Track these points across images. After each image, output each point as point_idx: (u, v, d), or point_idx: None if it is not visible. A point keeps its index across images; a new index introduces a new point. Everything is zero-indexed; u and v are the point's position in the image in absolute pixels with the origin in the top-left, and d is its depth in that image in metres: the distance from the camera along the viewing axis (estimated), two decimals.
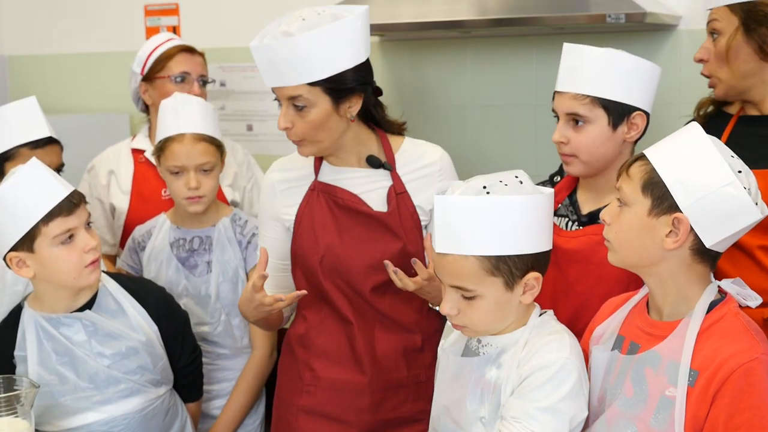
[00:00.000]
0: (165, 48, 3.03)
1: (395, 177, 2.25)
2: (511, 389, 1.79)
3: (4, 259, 2.15)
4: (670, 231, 1.68)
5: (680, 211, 1.66)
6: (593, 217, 2.16)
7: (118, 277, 2.35)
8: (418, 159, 2.29)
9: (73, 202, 2.12)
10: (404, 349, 2.28)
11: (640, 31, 2.94)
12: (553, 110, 2.19)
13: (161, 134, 2.58)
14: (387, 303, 2.26)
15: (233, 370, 2.65)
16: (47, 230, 2.09)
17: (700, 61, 2.28)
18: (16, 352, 2.19)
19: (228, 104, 3.63)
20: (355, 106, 2.18)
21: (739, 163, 1.69)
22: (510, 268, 1.77)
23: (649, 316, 1.80)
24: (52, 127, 2.66)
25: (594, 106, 2.09)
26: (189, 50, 3.04)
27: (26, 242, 2.10)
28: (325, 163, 2.29)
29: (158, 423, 2.27)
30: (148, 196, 2.94)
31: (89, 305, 2.23)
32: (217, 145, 2.61)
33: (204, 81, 3.04)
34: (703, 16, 2.87)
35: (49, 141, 2.49)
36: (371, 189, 2.25)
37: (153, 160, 2.99)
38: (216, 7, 3.67)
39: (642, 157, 1.74)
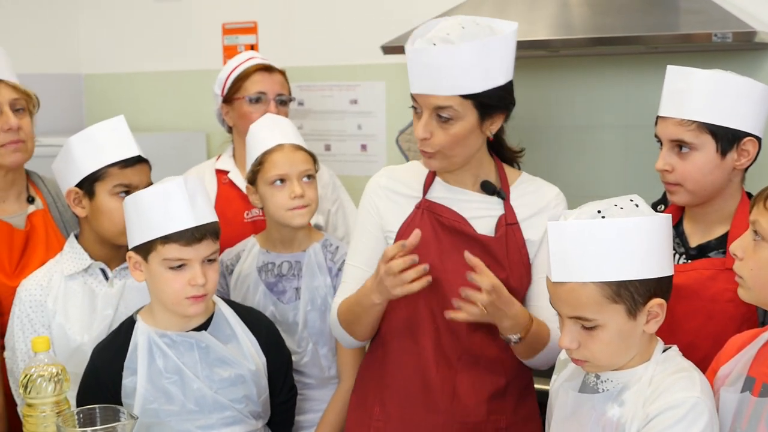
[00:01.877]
0: (243, 68, 2.99)
1: (508, 207, 2.16)
2: (637, 429, 1.70)
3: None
4: None
5: None
6: (703, 250, 2.06)
7: (233, 304, 2.33)
8: (533, 193, 2.19)
9: (195, 236, 2.10)
10: (487, 391, 2.16)
11: (737, 51, 2.85)
12: (656, 136, 2.09)
13: (257, 151, 2.53)
14: (477, 339, 2.14)
15: (320, 401, 2.57)
16: (162, 250, 2.11)
17: None
18: (126, 363, 2.17)
19: (306, 123, 3.59)
20: (496, 124, 2.11)
21: None
22: (632, 294, 1.69)
23: None
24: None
25: (701, 132, 2.00)
26: (267, 69, 2.99)
27: (143, 250, 2.15)
28: (437, 179, 2.20)
29: None
30: (231, 217, 2.89)
31: (204, 326, 2.21)
32: (313, 157, 2.57)
33: (282, 100, 2.99)
34: None
35: (139, 160, 2.45)
36: (481, 215, 2.16)
37: (237, 181, 2.96)
38: (294, 25, 3.64)
39: None
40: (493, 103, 2.06)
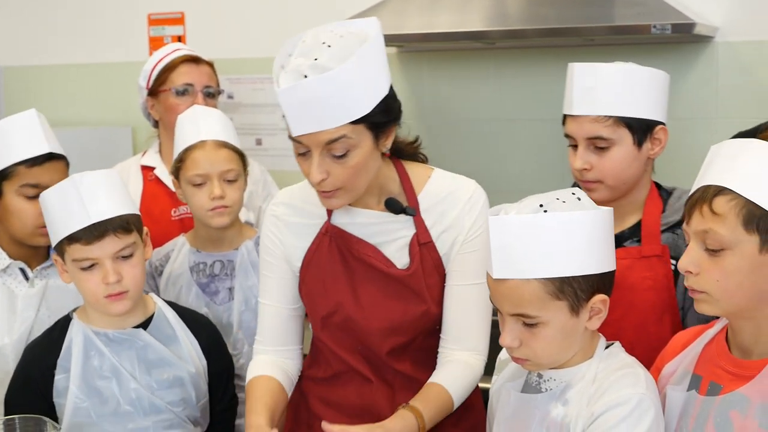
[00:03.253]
0: (169, 59, 2.92)
1: (419, 223, 1.97)
2: (582, 428, 1.65)
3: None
4: None
5: None
6: (619, 240, 2.03)
7: (174, 305, 2.24)
8: (444, 200, 1.99)
9: (94, 234, 2.01)
10: None
11: (675, 43, 2.84)
12: (567, 135, 2.09)
13: (180, 146, 2.44)
14: (407, 364, 2.01)
15: None
16: (69, 250, 2.04)
17: None
18: (59, 361, 2.09)
19: (236, 117, 3.49)
20: (390, 138, 1.90)
21: None
22: (575, 291, 1.64)
23: (732, 355, 1.65)
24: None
25: (618, 127, 2.02)
26: (193, 60, 2.92)
27: (59, 251, 2.08)
28: None
29: None
30: (158, 216, 2.80)
31: (144, 326, 2.14)
32: (240, 155, 2.46)
33: (210, 92, 2.91)
34: (740, 27, 2.80)
35: (50, 157, 2.31)
36: (391, 239, 1.97)
37: (163, 178, 2.86)
38: (223, 16, 3.56)
39: (722, 190, 1.56)
40: (385, 119, 1.86)
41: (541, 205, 1.65)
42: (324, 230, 2.00)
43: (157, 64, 2.92)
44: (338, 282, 1.98)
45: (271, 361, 2.07)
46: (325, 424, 1.80)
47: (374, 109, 1.81)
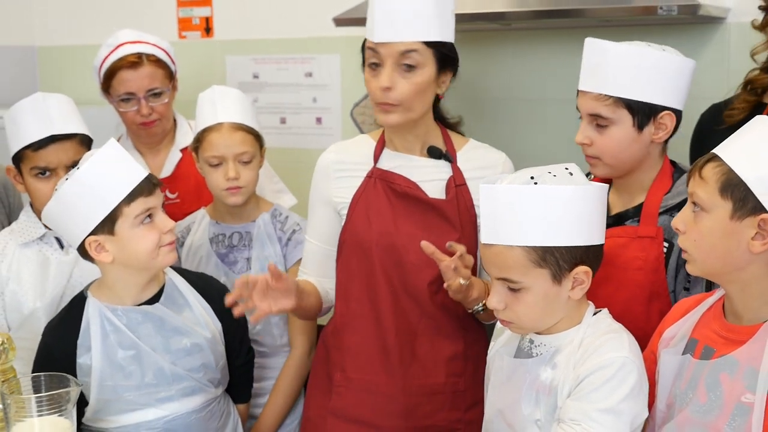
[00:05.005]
0: (110, 63, 2.82)
1: (455, 169, 2.22)
2: (568, 391, 1.74)
3: (81, 246, 2.10)
4: (756, 233, 1.60)
5: (766, 212, 1.58)
6: (620, 219, 2.10)
7: (183, 272, 2.31)
8: (479, 159, 2.27)
9: (152, 182, 2.12)
10: (445, 354, 2.20)
11: (687, 24, 2.87)
12: (578, 108, 2.11)
13: (199, 126, 2.54)
14: (438, 303, 2.18)
15: (272, 369, 2.60)
16: (129, 210, 2.06)
17: None
18: (79, 342, 2.12)
19: (261, 97, 3.58)
20: (446, 83, 2.20)
21: None
22: (557, 260, 1.72)
23: (726, 320, 1.72)
24: (81, 119, 2.48)
25: (617, 108, 2.00)
26: (132, 65, 2.78)
27: (107, 225, 2.06)
28: (385, 150, 2.26)
29: (214, 423, 2.24)
30: None
31: (156, 298, 2.19)
32: (256, 136, 2.55)
33: (156, 93, 2.80)
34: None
35: (53, 139, 2.35)
36: (430, 179, 2.22)
37: None
38: None
39: (714, 157, 1.65)
40: (449, 55, 2.16)
41: (532, 177, 1.73)
42: (370, 174, 2.23)
43: (101, 65, 2.84)
44: (382, 216, 2.19)
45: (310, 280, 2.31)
46: (424, 243, 2.03)
47: (444, 42, 2.14)
